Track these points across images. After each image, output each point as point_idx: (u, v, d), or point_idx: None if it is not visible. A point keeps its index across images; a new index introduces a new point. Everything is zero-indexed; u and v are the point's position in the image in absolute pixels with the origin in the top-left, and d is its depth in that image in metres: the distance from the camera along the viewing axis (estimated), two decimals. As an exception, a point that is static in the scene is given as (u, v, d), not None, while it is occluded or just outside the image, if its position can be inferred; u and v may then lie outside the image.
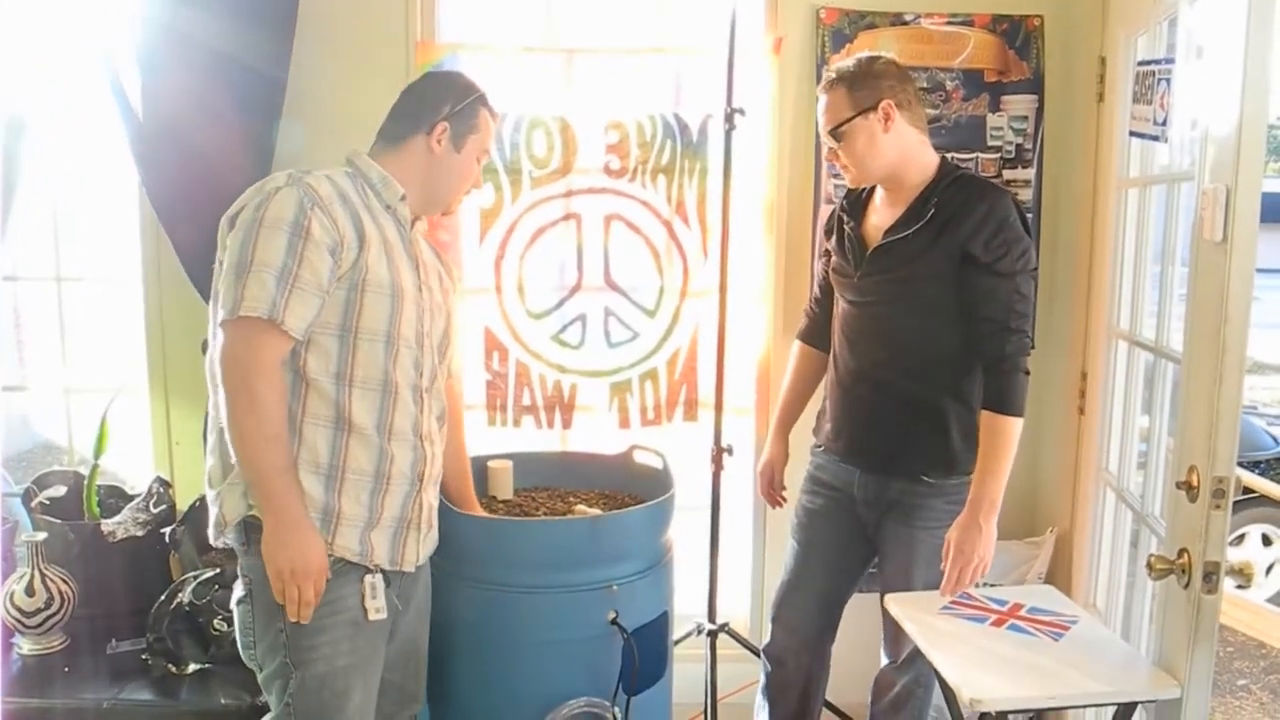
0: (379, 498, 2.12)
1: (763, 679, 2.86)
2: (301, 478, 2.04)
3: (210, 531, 2.15)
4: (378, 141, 2.24)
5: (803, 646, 2.76)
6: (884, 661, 2.71)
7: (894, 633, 2.58)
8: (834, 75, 2.47)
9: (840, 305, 2.63)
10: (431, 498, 2.26)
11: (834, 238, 2.66)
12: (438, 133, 2.20)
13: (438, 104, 2.22)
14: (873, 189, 2.60)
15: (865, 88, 2.42)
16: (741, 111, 2.91)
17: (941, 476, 2.49)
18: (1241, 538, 5.19)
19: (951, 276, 2.38)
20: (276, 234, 1.98)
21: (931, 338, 2.45)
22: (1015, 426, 2.37)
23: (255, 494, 2.02)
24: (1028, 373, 2.38)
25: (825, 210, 3.07)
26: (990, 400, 2.38)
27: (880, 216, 2.53)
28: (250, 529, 2.06)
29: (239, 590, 2.14)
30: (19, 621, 2.71)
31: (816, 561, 2.71)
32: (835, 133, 2.44)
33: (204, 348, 2.96)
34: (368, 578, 2.12)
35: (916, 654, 2.51)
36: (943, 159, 2.51)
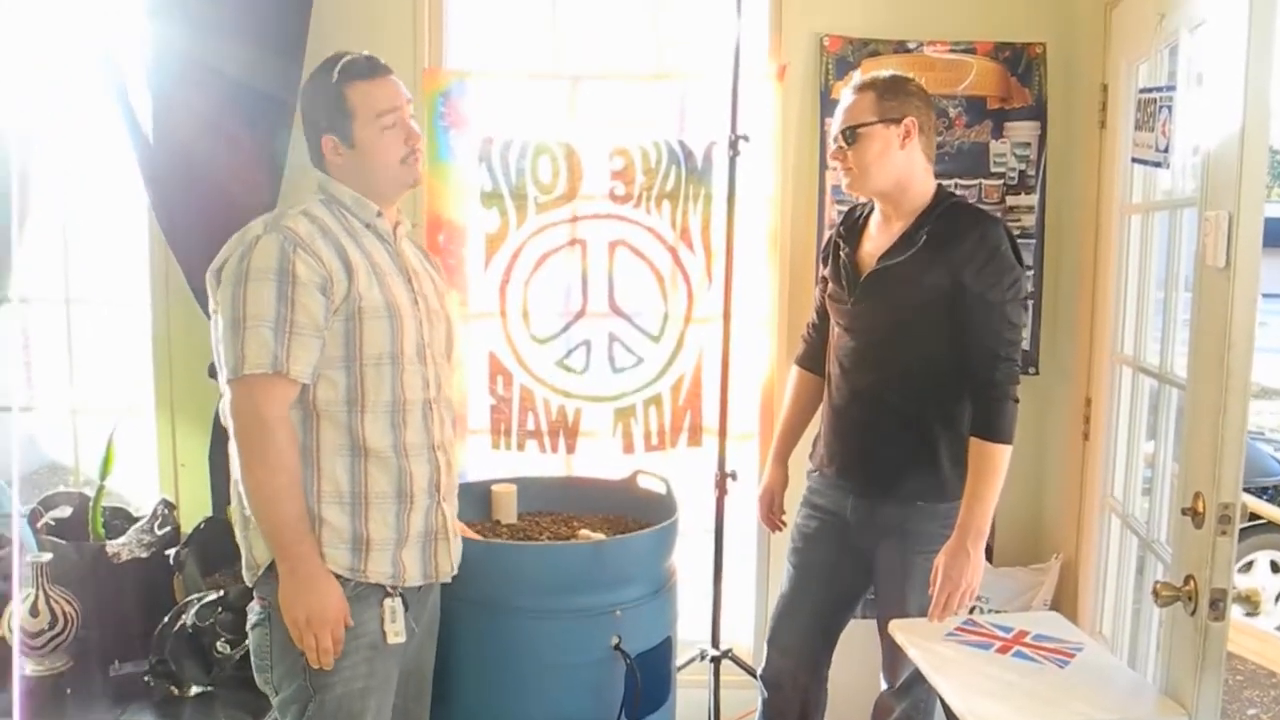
0: (404, 516, 2.13)
1: (760, 705, 2.85)
2: (326, 510, 2.06)
3: (245, 575, 2.16)
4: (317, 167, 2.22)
5: (799, 670, 2.74)
6: (883, 686, 2.70)
7: (892, 657, 2.58)
8: (866, 80, 2.48)
9: (835, 330, 2.63)
10: (450, 508, 2.26)
11: (829, 264, 2.67)
12: (329, 149, 2.15)
13: (312, 122, 2.17)
14: (868, 215, 2.61)
15: (895, 99, 2.43)
16: (745, 138, 2.93)
17: (933, 501, 2.49)
18: (1250, 565, 5.16)
19: (943, 303, 2.39)
20: (264, 284, 1.99)
21: (923, 364, 2.45)
22: (1004, 454, 2.37)
23: (270, 546, 2.04)
24: (1017, 400, 2.39)
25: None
26: (979, 427, 2.39)
27: (874, 243, 2.54)
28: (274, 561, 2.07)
29: (255, 614, 2.14)
30: (22, 642, 2.70)
31: (812, 584, 2.70)
32: (852, 132, 2.45)
33: (210, 371, 2.99)
34: (387, 601, 2.12)
35: (915, 679, 2.50)
36: (939, 187, 2.52)
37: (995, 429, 2.37)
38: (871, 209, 2.61)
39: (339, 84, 2.12)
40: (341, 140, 2.14)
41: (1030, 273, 3.25)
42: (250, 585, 2.16)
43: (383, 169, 2.16)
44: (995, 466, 2.37)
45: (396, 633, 2.13)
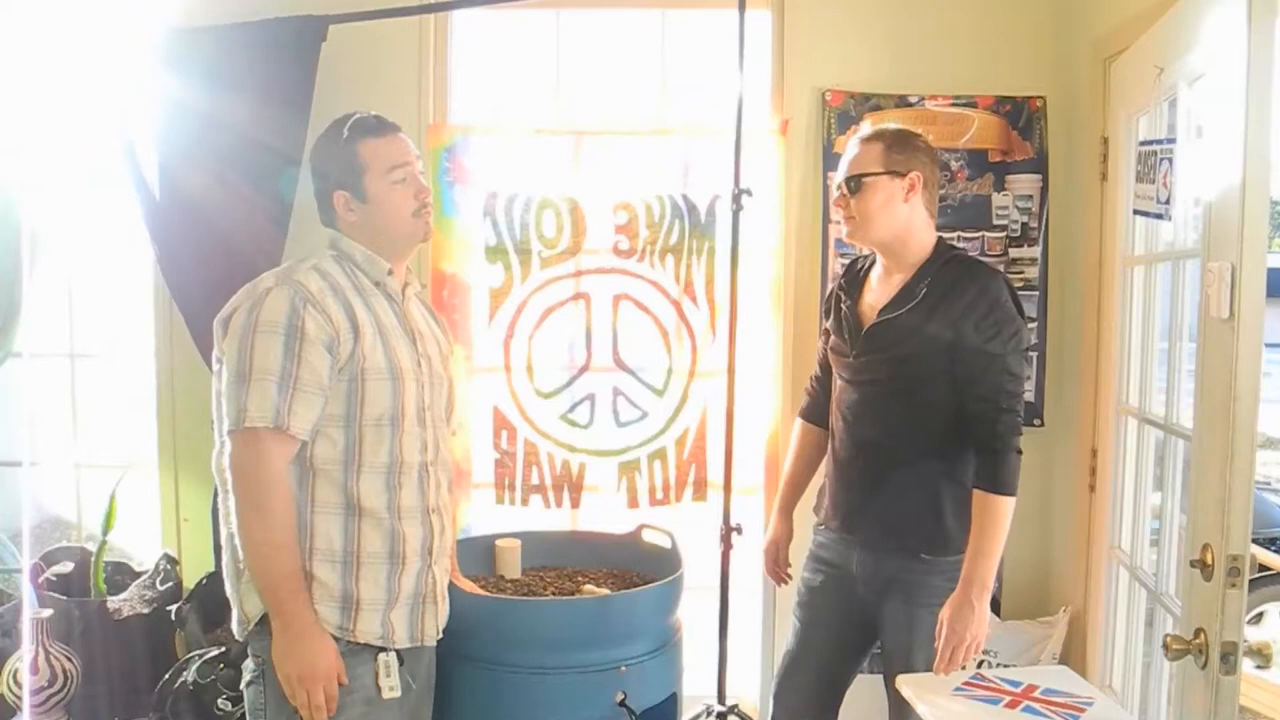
0: (395, 578, 2.12)
1: (768, 761, 2.81)
2: (317, 568, 2.05)
3: (235, 629, 2.15)
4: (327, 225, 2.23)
5: None
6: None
7: (898, 712, 2.54)
8: (874, 131, 2.50)
9: (837, 383, 2.63)
10: (441, 571, 2.25)
11: (831, 316, 2.68)
12: (341, 204, 2.16)
13: (323, 177, 2.18)
14: (869, 268, 2.62)
15: (902, 153, 2.45)
16: (749, 192, 2.93)
17: (937, 554, 2.46)
18: (1260, 616, 5.10)
19: (944, 356, 2.39)
20: (272, 338, 1.99)
21: (925, 416, 2.44)
22: (1007, 506, 2.36)
23: (265, 600, 2.03)
24: (1020, 452, 2.37)
25: (833, 289, 3.10)
26: (982, 479, 2.37)
27: (875, 296, 2.55)
28: (265, 616, 2.06)
29: (249, 671, 2.12)
30: (21, 700, 2.68)
31: (817, 639, 2.67)
32: (857, 181, 2.46)
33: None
34: (381, 656, 2.11)
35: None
36: (939, 240, 2.53)
37: (998, 481, 2.36)
38: (873, 261, 2.62)
39: (350, 141, 2.15)
40: (353, 196, 2.15)
41: (1034, 325, 3.26)
42: (241, 639, 2.14)
43: (395, 224, 2.17)
44: (998, 518, 2.35)
45: (391, 687, 2.11)
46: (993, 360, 2.36)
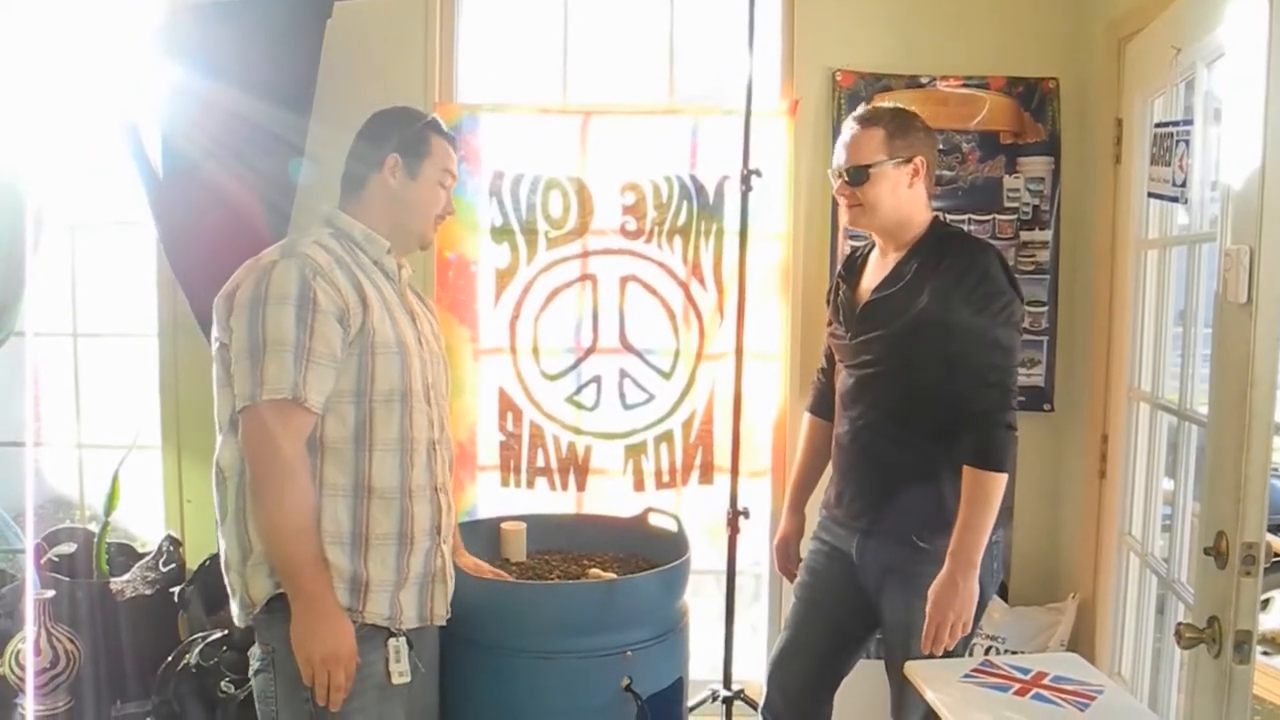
0: (404, 558, 2.11)
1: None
2: (326, 550, 2.02)
3: (237, 615, 2.11)
4: (343, 194, 2.21)
5: (797, 711, 2.69)
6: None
7: (899, 699, 2.52)
8: (871, 114, 2.46)
9: (840, 372, 2.61)
10: (449, 550, 2.24)
11: (831, 305, 2.66)
12: (389, 166, 2.16)
13: (385, 138, 2.18)
14: (868, 254, 2.60)
15: (904, 139, 2.41)
16: (758, 173, 2.91)
17: (934, 539, 2.42)
18: (1266, 603, 5.08)
19: (935, 331, 2.35)
20: (284, 309, 1.96)
21: (921, 397, 2.41)
22: (996, 482, 2.31)
23: (284, 583, 2.00)
24: (1011, 428, 2.33)
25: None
26: (969, 455, 2.32)
27: (870, 278, 2.54)
28: (273, 600, 2.04)
29: (257, 659, 2.11)
30: (23, 681, 2.67)
31: (816, 625, 2.64)
32: (863, 172, 2.42)
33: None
34: (391, 641, 2.10)
35: (923, 720, 2.44)
36: (935, 218, 2.50)
37: (985, 456, 2.31)
38: (871, 247, 2.60)
39: (426, 128, 2.21)
40: (406, 167, 2.17)
41: (1044, 309, 3.23)
42: (243, 625, 2.11)
43: (420, 214, 2.21)
44: (986, 495, 2.31)
45: (401, 673, 2.10)
46: (980, 333, 2.32)
